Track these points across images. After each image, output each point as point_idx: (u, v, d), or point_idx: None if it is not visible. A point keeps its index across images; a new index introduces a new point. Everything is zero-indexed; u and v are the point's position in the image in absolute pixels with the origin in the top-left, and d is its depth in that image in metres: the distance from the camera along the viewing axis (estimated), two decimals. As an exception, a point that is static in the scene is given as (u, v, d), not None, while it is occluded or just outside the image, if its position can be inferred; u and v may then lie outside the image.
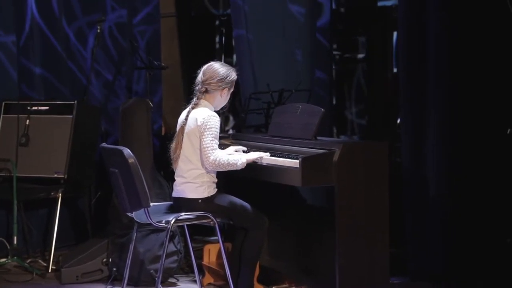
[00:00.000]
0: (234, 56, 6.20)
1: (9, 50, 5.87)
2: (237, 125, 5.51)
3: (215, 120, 4.38)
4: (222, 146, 4.50)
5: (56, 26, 6.12)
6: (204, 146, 4.34)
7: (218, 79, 4.45)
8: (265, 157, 4.46)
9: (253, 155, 4.47)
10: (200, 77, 4.49)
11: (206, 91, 4.47)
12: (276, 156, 4.46)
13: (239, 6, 5.66)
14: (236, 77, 4.53)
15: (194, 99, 4.49)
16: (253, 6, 5.67)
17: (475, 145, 4.67)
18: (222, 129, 5.21)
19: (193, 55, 6.89)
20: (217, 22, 7.04)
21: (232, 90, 4.54)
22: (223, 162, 4.34)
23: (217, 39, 7.04)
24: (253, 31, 5.65)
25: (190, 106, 4.49)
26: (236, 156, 4.43)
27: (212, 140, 4.34)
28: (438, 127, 4.75)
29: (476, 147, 4.66)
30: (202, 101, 4.48)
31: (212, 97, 4.48)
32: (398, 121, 5.95)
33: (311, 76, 5.74)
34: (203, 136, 4.34)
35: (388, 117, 6.36)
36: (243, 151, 4.64)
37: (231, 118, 6.49)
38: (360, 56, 6.72)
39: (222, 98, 4.50)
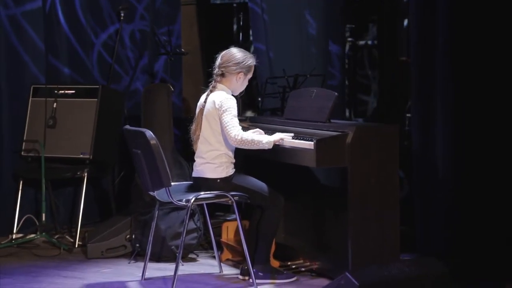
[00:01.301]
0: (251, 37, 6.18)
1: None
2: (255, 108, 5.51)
3: (232, 102, 4.36)
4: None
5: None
6: (225, 125, 4.31)
7: (234, 63, 4.42)
8: (286, 140, 4.41)
9: (277, 136, 4.41)
10: (217, 61, 4.46)
11: (223, 74, 4.44)
12: (292, 138, 4.42)
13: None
14: (253, 63, 4.49)
15: (212, 83, 4.47)
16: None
17: (482, 128, 4.62)
18: (239, 113, 5.17)
19: (212, 41, 6.85)
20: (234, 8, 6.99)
21: (249, 76, 4.50)
22: (246, 138, 4.30)
23: (235, 26, 6.99)
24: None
25: (208, 90, 4.47)
26: (261, 136, 4.40)
27: (232, 119, 4.32)
28: (447, 112, 4.70)
29: (483, 130, 4.61)
30: (219, 85, 4.45)
31: (228, 81, 4.45)
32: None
33: (325, 61, 5.71)
34: (222, 116, 4.32)
35: (397, 102, 6.31)
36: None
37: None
38: (372, 42, 6.66)
39: (238, 83, 4.47)
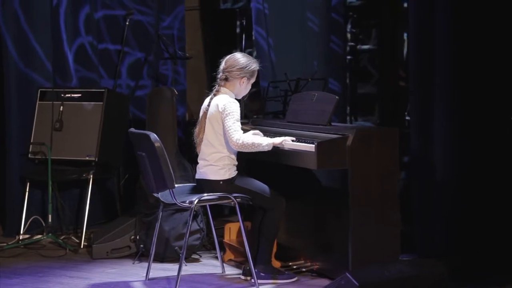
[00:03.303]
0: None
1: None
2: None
3: (235, 105, 4.36)
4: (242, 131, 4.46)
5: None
6: (227, 129, 4.32)
7: (238, 68, 4.43)
8: (286, 142, 4.41)
9: (278, 140, 4.42)
10: (222, 65, 4.47)
11: (226, 79, 4.45)
12: (292, 141, 4.41)
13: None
14: (256, 67, 4.50)
15: (216, 87, 4.48)
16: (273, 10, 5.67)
17: (480, 130, 4.61)
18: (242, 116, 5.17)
19: (216, 46, 6.85)
20: (237, 16, 6.98)
21: (252, 80, 4.52)
22: (247, 142, 4.31)
23: (237, 30, 6.98)
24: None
25: (212, 93, 4.48)
26: (261, 139, 4.40)
27: (234, 123, 4.32)
28: (445, 115, 4.69)
29: (481, 133, 4.61)
30: (223, 89, 4.46)
31: (232, 85, 4.46)
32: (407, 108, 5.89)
33: (326, 65, 5.70)
34: (225, 120, 4.33)
35: (397, 105, 6.30)
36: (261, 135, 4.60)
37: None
38: (372, 46, 6.64)
39: (242, 87, 4.48)
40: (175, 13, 6.41)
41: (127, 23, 6.03)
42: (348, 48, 6.33)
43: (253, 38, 5.81)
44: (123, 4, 6.16)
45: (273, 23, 5.73)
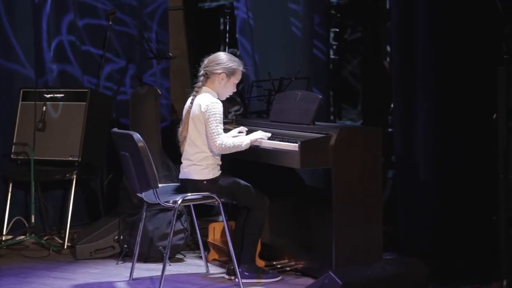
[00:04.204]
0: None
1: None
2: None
3: (218, 107, 4.36)
4: (225, 131, 4.48)
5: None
6: (210, 132, 4.32)
7: (216, 63, 4.43)
8: (265, 141, 4.43)
9: (255, 135, 4.44)
10: (203, 63, 4.47)
11: (206, 75, 4.45)
12: (276, 140, 4.43)
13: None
14: (238, 67, 4.47)
15: (197, 84, 4.46)
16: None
17: (464, 129, 4.64)
18: (226, 115, 5.17)
19: (199, 45, 6.85)
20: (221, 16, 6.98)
21: (233, 80, 4.48)
22: (229, 145, 4.32)
23: (221, 27, 6.98)
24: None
25: (193, 92, 4.47)
26: (240, 139, 4.42)
27: (217, 126, 4.33)
28: (427, 116, 4.72)
29: (465, 132, 4.64)
30: (204, 87, 4.46)
31: (211, 82, 4.45)
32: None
33: (309, 63, 5.73)
34: (208, 123, 4.33)
35: (380, 106, 6.32)
36: (246, 132, 4.61)
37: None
38: (355, 46, 6.67)
39: (221, 84, 4.45)
40: (156, 5, 6.41)
41: (110, 23, 6.02)
42: (331, 51, 6.36)
43: (238, 48, 5.83)
44: (106, 11, 6.14)
45: (257, 31, 5.75)
